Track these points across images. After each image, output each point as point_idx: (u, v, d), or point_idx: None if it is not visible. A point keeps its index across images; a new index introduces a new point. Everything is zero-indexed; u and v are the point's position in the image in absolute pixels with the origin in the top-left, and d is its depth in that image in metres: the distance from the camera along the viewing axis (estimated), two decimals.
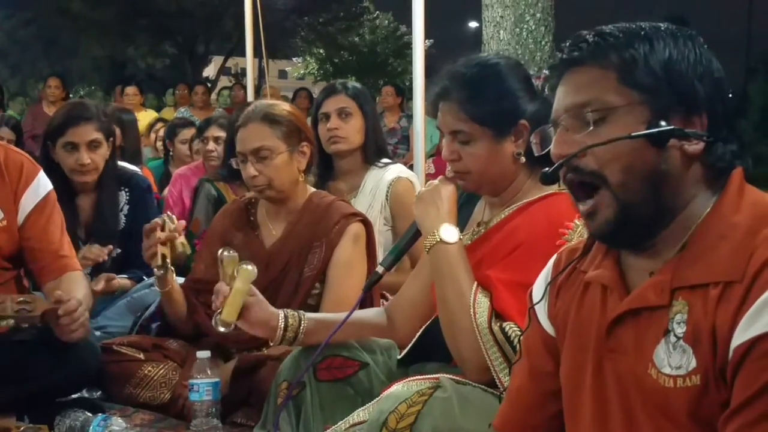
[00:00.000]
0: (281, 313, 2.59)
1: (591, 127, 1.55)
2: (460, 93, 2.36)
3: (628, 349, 1.58)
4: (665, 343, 1.51)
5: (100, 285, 3.75)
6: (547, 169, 1.64)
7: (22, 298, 2.82)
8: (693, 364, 1.46)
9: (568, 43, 1.66)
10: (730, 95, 1.63)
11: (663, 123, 1.52)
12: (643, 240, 1.60)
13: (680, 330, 1.49)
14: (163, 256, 3.00)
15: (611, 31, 1.61)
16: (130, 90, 10.57)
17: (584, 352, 1.67)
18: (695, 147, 1.54)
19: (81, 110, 4.00)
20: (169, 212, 3.15)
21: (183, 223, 3.12)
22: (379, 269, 2.49)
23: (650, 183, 1.54)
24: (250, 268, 2.53)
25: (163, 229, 3.03)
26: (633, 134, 1.52)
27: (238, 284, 2.50)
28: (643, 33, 1.59)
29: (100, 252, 3.81)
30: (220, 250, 2.61)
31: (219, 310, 2.50)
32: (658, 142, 1.52)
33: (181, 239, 3.06)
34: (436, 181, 2.47)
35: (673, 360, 1.49)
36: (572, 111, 1.60)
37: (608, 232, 1.60)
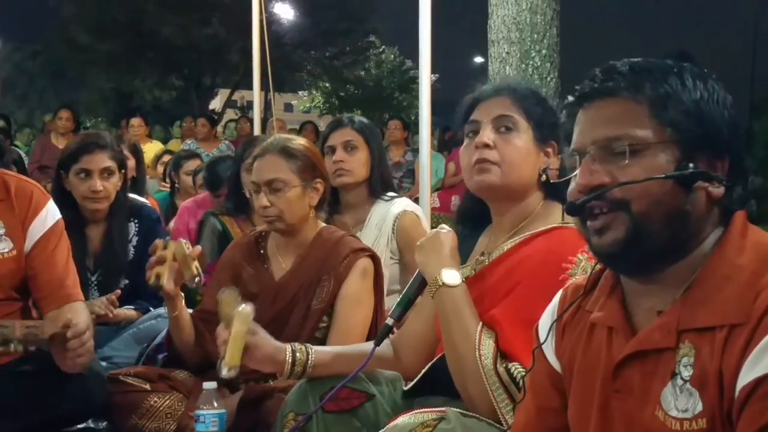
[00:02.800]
0: (288, 347, 2.60)
1: (626, 161, 1.55)
2: (514, 91, 2.43)
3: (634, 390, 1.58)
4: (672, 386, 1.51)
5: (101, 309, 3.76)
6: (575, 199, 1.62)
7: (30, 323, 2.83)
8: (699, 407, 1.47)
9: (598, 72, 1.65)
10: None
11: (691, 165, 1.53)
12: (647, 269, 1.60)
13: (687, 373, 1.49)
14: (158, 275, 3.02)
15: (643, 64, 1.62)
16: (135, 121, 10.57)
17: (591, 392, 1.67)
18: (718, 190, 1.56)
19: (96, 138, 4.06)
20: (183, 239, 3.16)
21: (198, 248, 3.14)
22: (389, 321, 2.50)
23: (672, 220, 1.54)
24: (248, 310, 2.54)
25: (164, 249, 3.05)
26: (668, 174, 1.53)
27: (237, 327, 2.51)
28: (674, 70, 1.60)
29: (106, 309, 3.81)
30: (220, 292, 2.63)
31: (222, 356, 2.51)
32: (686, 182, 1.53)
33: (195, 264, 3.07)
34: (436, 230, 2.50)
35: (679, 403, 1.50)
36: (601, 143, 1.59)
37: (614, 251, 1.59)
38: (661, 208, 1.54)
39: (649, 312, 1.61)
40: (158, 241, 3.09)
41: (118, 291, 3.86)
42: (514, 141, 2.38)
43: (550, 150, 2.41)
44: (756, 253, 1.52)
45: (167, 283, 3.04)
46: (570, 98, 1.70)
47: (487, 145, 2.38)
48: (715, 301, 1.50)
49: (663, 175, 1.53)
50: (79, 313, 3.12)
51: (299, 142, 3.33)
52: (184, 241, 3.12)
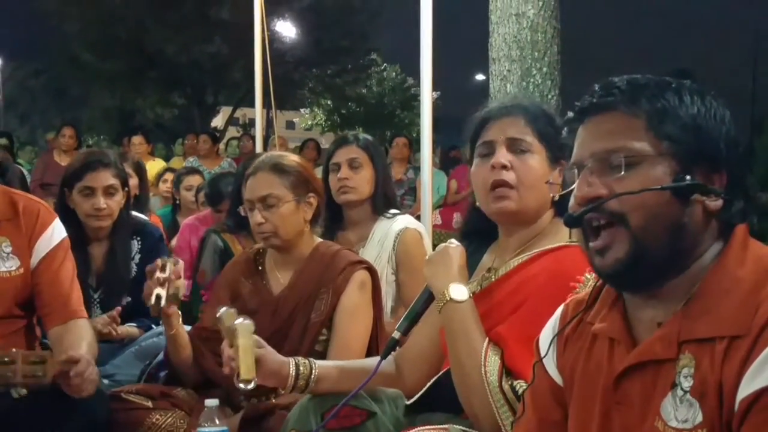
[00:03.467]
0: (292, 361, 2.61)
1: (622, 172, 1.57)
2: (526, 111, 2.44)
3: (635, 401, 1.59)
4: (672, 397, 1.52)
5: (104, 327, 3.76)
6: (574, 212, 1.65)
7: (32, 359, 2.80)
8: (699, 418, 1.48)
9: (597, 87, 1.67)
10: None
11: (688, 177, 1.55)
12: (649, 285, 1.61)
13: (687, 384, 1.50)
14: (158, 297, 3.03)
15: (641, 79, 1.64)
16: (137, 140, 10.55)
17: (592, 404, 1.68)
18: (716, 204, 1.57)
19: (99, 156, 4.07)
20: (174, 256, 3.17)
21: (182, 264, 3.14)
22: (396, 335, 2.50)
23: (670, 233, 1.56)
24: (248, 322, 2.54)
25: (163, 270, 3.06)
26: (665, 186, 1.55)
27: (243, 341, 2.51)
28: (672, 86, 1.62)
29: (108, 326, 3.82)
30: (219, 310, 2.64)
31: (237, 372, 2.51)
32: (683, 195, 1.55)
33: (180, 282, 3.08)
34: (445, 244, 2.50)
35: (679, 413, 1.50)
36: (599, 155, 1.61)
37: (616, 271, 1.60)
38: (659, 220, 1.55)
39: (650, 324, 1.62)
40: (157, 262, 3.10)
41: (119, 308, 3.86)
42: (529, 162, 2.40)
43: (560, 169, 2.41)
44: (756, 266, 1.54)
45: (166, 302, 3.05)
46: (570, 114, 1.72)
47: (504, 166, 2.39)
48: (716, 313, 1.51)
49: (659, 186, 1.55)
50: (83, 332, 3.13)
51: (291, 158, 3.37)
52: (172, 259, 3.13)
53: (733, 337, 1.46)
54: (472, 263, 2.58)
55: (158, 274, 3.06)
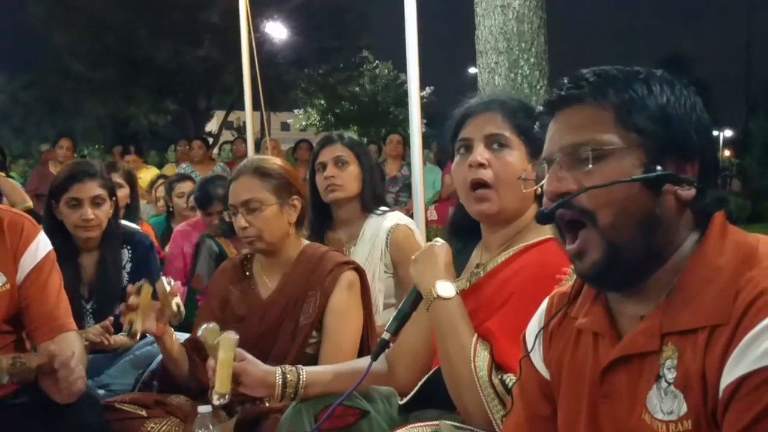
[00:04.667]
0: (278, 369, 2.62)
1: (590, 166, 1.56)
2: (503, 106, 2.42)
3: (621, 394, 1.59)
4: (657, 389, 1.52)
5: (96, 337, 3.75)
6: (544, 208, 1.65)
7: (14, 355, 2.82)
8: (684, 409, 1.48)
9: (565, 80, 1.67)
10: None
11: (659, 167, 1.54)
12: (631, 283, 1.61)
13: (671, 375, 1.50)
14: (131, 323, 3.03)
15: (610, 71, 1.63)
16: (130, 158, 10.57)
17: (579, 398, 1.68)
18: (688, 193, 1.56)
19: (85, 167, 4.07)
20: (165, 277, 3.16)
21: (178, 285, 3.15)
22: (386, 335, 2.50)
23: (643, 226, 1.55)
24: (231, 336, 2.56)
25: (138, 294, 3.05)
26: (634, 177, 1.54)
27: (222, 354, 2.53)
28: (641, 76, 1.61)
29: (101, 336, 3.81)
30: (200, 330, 2.63)
31: (212, 385, 2.52)
32: (654, 186, 1.54)
33: (176, 300, 3.08)
34: (430, 243, 2.51)
35: (665, 405, 1.50)
36: (568, 149, 1.60)
37: (596, 274, 1.60)
38: (629, 215, 1.55)
39: (634, 317, 1.62)
40: (130, 288, 3.09)
41: (111, 318, 3.84)
42: (507, 158, 2.39)
43: (534, 163, 2.39)
44: (736, 253, 1.53)
45: (140, 327, 3.05)
46: (540, 108, 1.71)
47: (481, 165, 2.38)
48: (697, 304, 1.50)
49: (629, 179, 1.54)
50: (72, 344, 3.11)
51: (273, 161, 3.36)
52: (165, 279, 3.12)
53: (715, 326, 1.46)
54: (461, 261, 2.58)
55: (132, 300, 3.04)
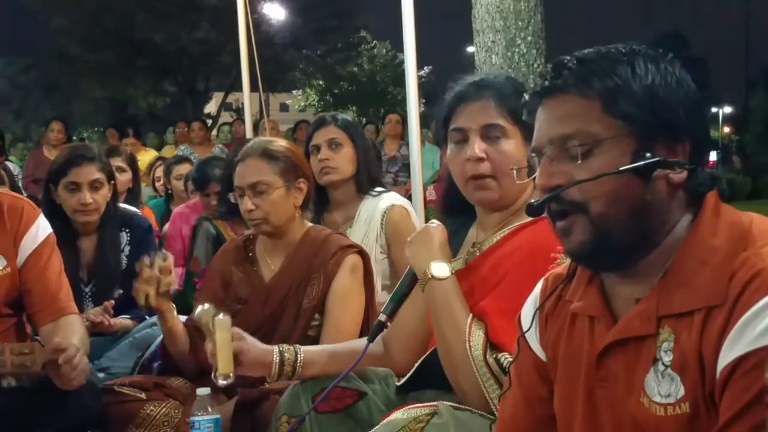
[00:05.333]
0: (276, 348, 2.62)
1: (579, 159, 1.55)
2: (495, 93, 2.39)
3: (618, 378, 1.59)
4: (654, 372, 1.52)
5: (96, 317, 3.75)
6: (533, 201, 1.64)
7: (19, 350, 2.81)
8: (681, 392, 1.48)
9: (549, 68, 1.65)
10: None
11: (648, 154, 1.52)
12: (622, 265, 1.60)
13: (668, 358, 1.50)
14: (147, 296, 3.03)
15: (592, 56, 1.61)
16: (129, 141, 10.56)
17: (575, 382, 1.68)
18: (680, 176, 1.55)
19: (83, 151, 4.06)
20: (164, 250, 3.16)
21: (171, 259, 3.13)
22: (382, 317, 2.50)
23: (634, 213, 1.54)
24: (225, 318, 2.55)
25: (150, 267, 3.05)
26: (621, 168, 1.52)
27: (220, 336, 2.52)
28: (624, 58, 1.58)
29: (102, 317, 3.81)
30: (196, 311, 2.63)
31: (215, 368, 2.53)
32: (644, 173, 1.53)
33: (171, 277, 3.07)
34: (426, 224, 2.51)
35: (662, 388, 1.50)
36: (557, 142, 1.59)
37: (584, 253, 1.60)
38: (620, 204, 1.54)
39: (629, 299, 1.61)
40: (144, 260, 3.09)
41: (112, 301, 3.85)
42: (504, 149, 2.37)
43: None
44: (730, 233, 1.52)
45: (154, 300, 3.04)
46: (525, 97, 1.69)
47: (480, 158, 2.37)
48: (692, 285, 1.50)
49: (616, 170, 1.53)
50: (74, 328, 3.12)
51: (280, 143, 3.35)
52: (161, 253, 3.12)
53: (711, 308, 1.46)
54: (457, 240, 2.58)
55: (146, 273, 3.04)
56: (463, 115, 2.42)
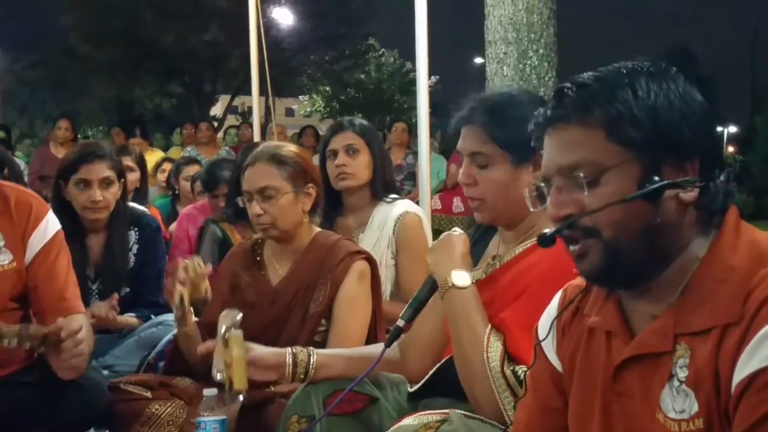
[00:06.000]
0: (288, 349, 2.64)
1: (586, 189, 1.54)
2: (485, 116, 2.39)
3: (635, 393, 1.59)
4: (669, 388, 1.52)
5: (101, 311, 3.75)
6: (546, 231, 1.65)
7: (21, 324, 2.84)
8: (695, 408, 1.47)
9: (552, 97, 1.64)
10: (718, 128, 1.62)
11: (656, 178, 1.51)
12: (635, 284, 1.60)
13: (683, 374, 1.50)
14: (182, 296, 3.04)
15: (591, 83, 1.59)
16: (136, 141, 10.58)
17: (592, 395, 1.68)
18: (690, 194, 1.54)
19: (94, 148, 4.07)
20: (196, 259, 3.17)
21: (210, 268, 3.16)
22: (400, 323, 2.49)
23: (645, 235, 1.54)
24: (238, 333, 2.58)
25: (187, 271, 3.06)
26: (627, 197, 1.52)
27: (236, 352, 2.55)
28: (625, 80, 1.57)
29: (106, 311, 3.81)
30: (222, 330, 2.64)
31: (229, 383, 2.54)
32: (653, 197, 1.52)
33: (206, 284, 3.10)
34: (448, 232, 2.52)
35: (677, 404, 1.50)
36: (564, 171, 1.59)
37: (597, 275, 1.61)
38: (631, 228, 1.53)
39: (646, 316, 1.61)
40: (180, 261, 3.09)
41: (116, 295, 3.84)
42: (491, 177, 2.39)
43: (536, 164, 2.34)
44: (749, 252, 1.52)
45: (188, 301, 3.07)
46: (530, 126, 1.69)
47: (467, 183, 2.42)
48: (711, 304, 1.50)
49: (622, 200, 1.52)
50: (77, 323, 3.12)
51: (289, 148, 3.34)
52: (198, 258, 3.14)
53: (727, 324, 1.45)
54: (478, 250, 2.59)
55: (182, 274, 3.04)
56: (461, 138, 2.46)
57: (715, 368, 1.45)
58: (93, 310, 3.71)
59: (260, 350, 2.62)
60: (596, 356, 1.68)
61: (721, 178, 1.58)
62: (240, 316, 2.64)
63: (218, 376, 2.55)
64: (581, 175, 1.55)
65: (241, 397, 2.55)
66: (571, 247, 1.62)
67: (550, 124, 1.62)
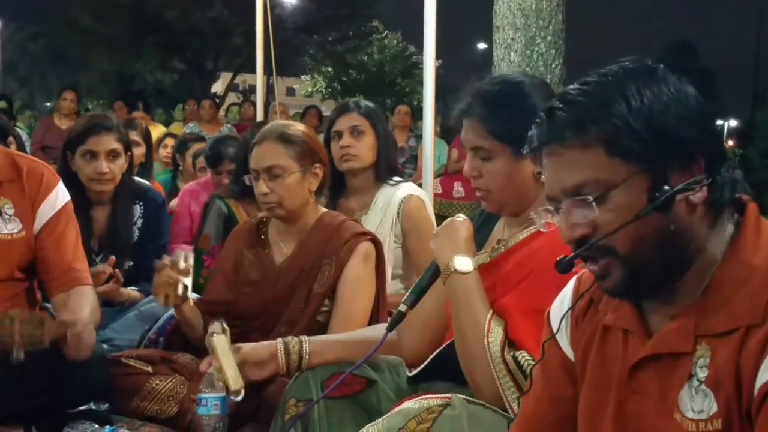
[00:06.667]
0: (279, 340, 2.68)
1: (596, 210, 1.52)
2: (482, 109, 2.39)
3: (650, 392, 1.58)
4: (689, 388, 1.50)
5: (100, 289, 3.72)
6: (563, 257, 1.64)
7: (29, 322, 2.79)
8: (714, 408, 1.46)
9: (544, 117, 1.59)
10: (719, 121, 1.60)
11: (666, 187, 1.49)
12: (658, 292, 1.59)
13: (702, 374, 1.48)
14: (166, 297, 3.02)
15: (583, 99, 1.55)
16: (138, 114, 10.56)
17: (605, 391, 1.66)
18: (700, 195, 1.52)
19: (102, 120, 4.06)
20: (184, 251, 3.14)
21: (190, 263, 3.09)
22: (402, 308, 2.48)
23: (662, 246, 1.52)
24: (221, 336, 2.61)
25: (186, 260, 3.05)
26: (641, 214, 1.50)
27: (222, 356, 2.57)
28: (615, 91, 1.52)
29: (103, 269, 3.80)
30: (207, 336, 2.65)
31: (226, 388, 2.57)
32: (664, 207, 1.50)
33: (186, 281, 3.05)
34: (452, 218, 2.52)
35: (695, 404, 1.49)
36: (569, 192, 1.56)
37: (622, 291, 1.59)
38: (647, 241, 1.52)
39: (664, 316, 1.60)
40: (165, 260, 3.05)
41: (113, 258, 3.80)
42: (494, 169, 2.40)
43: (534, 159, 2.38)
44: None
45: (174, 301, 3.04)
46: (526, 148, 1.65)
47: (473, 176, 2.43)
48: (732, 305, 1.48)
49: (636, 217, 1.50)
50: (86, 299, 3.12)
51: (297, 127, 3.33)
52: (183, 253, 3.11)
53: (750, 326, 1.44)
54: (483, 234, 2.60)
55: (166, 274, 3.03)
56: (463, 130, 2.47)
57: (736, 369, 1.44)
58: (96, 269, 3.67)
59: (249, 347, 2.66)
60: (611, 353, 1.67)
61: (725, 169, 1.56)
62: (221, 322, 2.65)
63: (234, 398, 2.58)
64: (588, 196, 1.52)
65: (241, 396, 2.57)
66: (590, 267, 1.60)
67: (546, 146, 1.59)
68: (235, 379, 2.55)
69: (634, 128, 1.49)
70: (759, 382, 1.40)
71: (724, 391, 1.45)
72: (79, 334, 2.80)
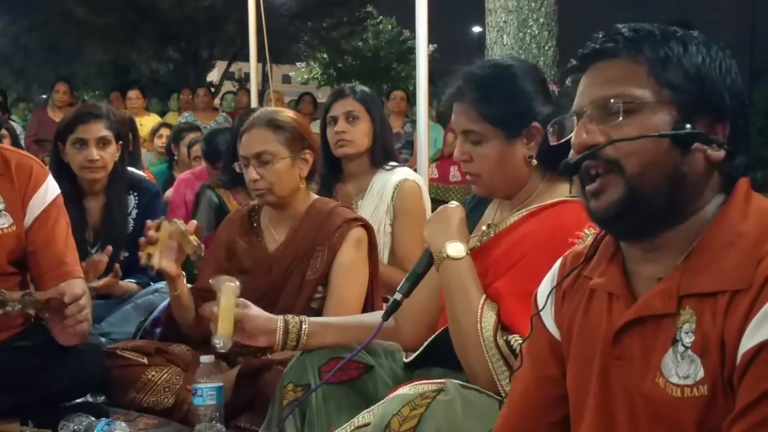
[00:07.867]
0: (280, 317, 2.64)
1: (620, 118, 1.54)
2: (472, 93, 2.39)
3: (635, 357, 1.57)
4: (673, 353, 1.50)
5: (101, 282, 3.74)
6: (569, 158, 1.63)
7: (23, 291, 2.83)
8: (701, 374, 1.46)
9: (600, 35, 1.64)
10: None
11: (688, 126, 1.52)
12: (646, 233, 1.59)
13: (688, 340, 1.48)
14: (149, 255, 3.04)
15: (647, 27, 1.61)
16: (133, 94, 10.55)
17: (590, 359, 1.66)
18: (717, 154, 1.54)
19: (91, 108, 4.08)
20: (176, 219, 3.16)
21: (194, 223, 3.16)
22: (398, 296, 2.49)
23: (669, 180, 1.53)
24: (233, 284, 2.59)
25: (157, 230, 3.06)
26: (663, 133, 1.52)
27: (224, 301, 2.55)
28: (678, 35, 1.59)
29: (100, 258, 3.80)
30: (214, 280, 2.65)
31: (214, 331, 2.54)
32: (683, 143, 1.52)
33: (194, 241, 3.09)
34: (445, 205, 2.52)
35: (680, 369, 1.48)
36: (598, 102, 1.58)
37: (610, 215, 1.58)
38: (657, 168, 1.52)
39: (650, 279, 1.60)
40: (150, 223, 3.09)
41: (110, 248, 3.81)
42: (485, 153, 2.39)
43: (530, 136, 2.38)
44: (759, 220, 1.51)
45: (158, 261, 3.05)
46: (573, 61, 1.69)
47: (463, 160, 2.43)
48: (717, 267, 1.48)
49: (657, 134, 1.52)
50: (79, 287, 3.12)
51: (286, 113, 3.33)
52: (179, 221, 3.12)
53: (735, 292, 1.44)
54: (474, 218, 2.59)
55: (150, 233, 3.04)
56: (453, 114, 2.46)
57: (721, 335, 1.44)
58: (87, 266, 3.68)
59: (255, 310, 2.63)
60: (596, 320, 1.67)
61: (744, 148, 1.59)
62: (237, 282, 2.64)
63: (217, 344, 2.54)
64: (620, 101, 1.55)
65: (220, 345, 2.54)
66: (588, 186, 1.60)
67: (597, 58, 1.62)
68: (224, 327, 2.53)
69: (683, 64, 1.54)
70: (742, 349, 1.40)
71: (710, 357, 1.45)
72: (77, 297, 2.81)
